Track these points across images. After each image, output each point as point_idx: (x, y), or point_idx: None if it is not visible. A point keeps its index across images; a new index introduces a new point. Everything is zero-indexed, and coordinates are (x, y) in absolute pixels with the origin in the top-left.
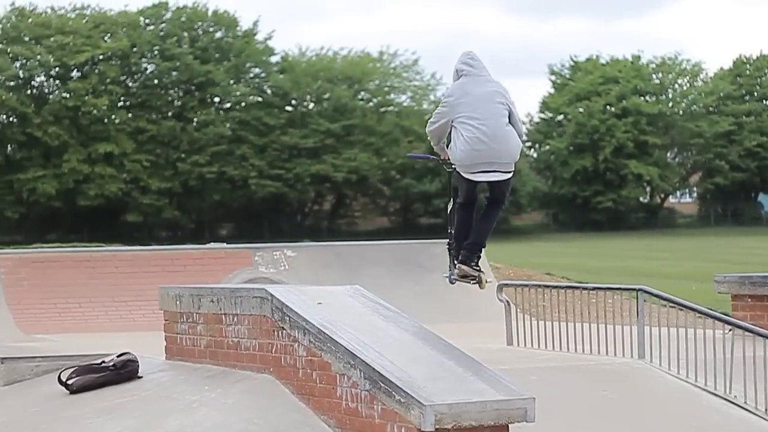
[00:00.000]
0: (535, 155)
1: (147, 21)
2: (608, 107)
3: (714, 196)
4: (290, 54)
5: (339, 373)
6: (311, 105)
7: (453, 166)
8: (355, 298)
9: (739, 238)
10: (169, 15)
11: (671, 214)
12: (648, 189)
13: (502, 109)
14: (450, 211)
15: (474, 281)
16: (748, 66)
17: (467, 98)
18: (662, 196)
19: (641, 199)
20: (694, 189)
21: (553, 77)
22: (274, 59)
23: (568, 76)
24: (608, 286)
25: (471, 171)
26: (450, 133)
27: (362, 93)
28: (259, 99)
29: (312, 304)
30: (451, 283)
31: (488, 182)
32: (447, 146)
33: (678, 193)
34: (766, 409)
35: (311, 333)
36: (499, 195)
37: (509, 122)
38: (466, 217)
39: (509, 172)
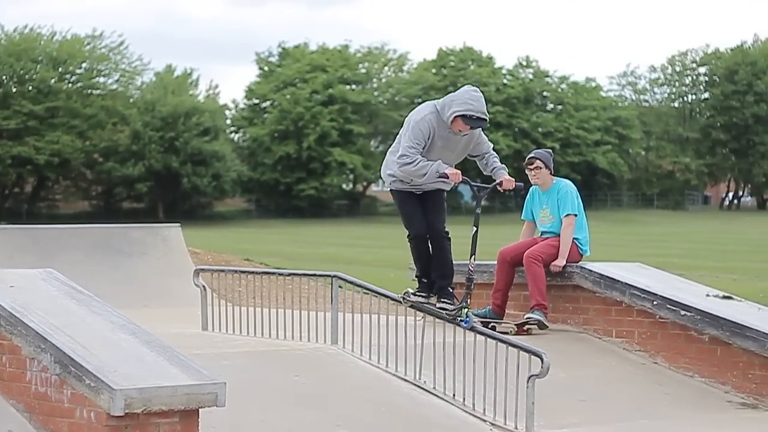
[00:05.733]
0: (240, 142)
1: None
2: (314, 95)
3: None
4: None
5: (29, 357)
6: (13, 86)
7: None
8: (48, 281)
9: None
10: None
11: (373, 202)
12: (351, 177)
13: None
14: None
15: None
16: (451, 57)
17: None
18: (365, 184)
19: (344, 186)
20: None
21: (260, 64)
22: None
23: (276, 63)
24: (303, 272)
25: None
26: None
27: (68, 75)
28: None
29: (3, 288)
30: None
31: None
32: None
33: (380, 182)
34: (453, 395)
35: (2, 316)
36: None
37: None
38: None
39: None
